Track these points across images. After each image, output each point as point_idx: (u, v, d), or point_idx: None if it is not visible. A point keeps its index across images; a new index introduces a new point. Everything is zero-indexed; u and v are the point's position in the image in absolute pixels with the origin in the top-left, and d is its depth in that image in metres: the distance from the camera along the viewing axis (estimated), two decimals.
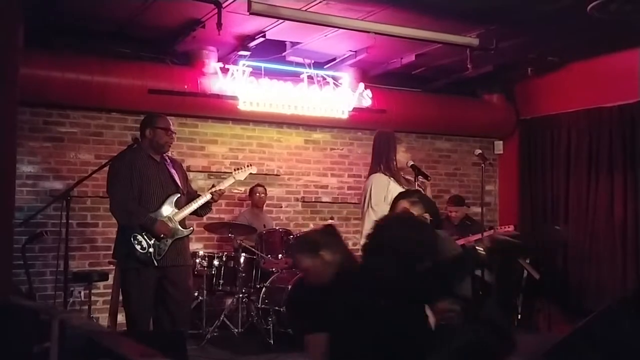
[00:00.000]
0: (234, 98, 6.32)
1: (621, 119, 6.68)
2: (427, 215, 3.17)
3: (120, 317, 4.96)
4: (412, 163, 4.65)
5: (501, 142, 8.19)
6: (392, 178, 4.61)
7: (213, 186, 4.62)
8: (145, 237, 4.23)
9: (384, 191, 4.61)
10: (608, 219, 6.71)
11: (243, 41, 6.03)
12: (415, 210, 3.14)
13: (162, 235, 4.25)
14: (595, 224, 6.84)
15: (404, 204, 3.17)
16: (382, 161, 4.69)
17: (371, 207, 4.63)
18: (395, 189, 4.60)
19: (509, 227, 6.74)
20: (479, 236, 6.24)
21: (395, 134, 4.85)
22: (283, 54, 6.36)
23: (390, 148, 4.65)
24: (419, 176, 4.63)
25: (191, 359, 4.57)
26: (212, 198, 4.51)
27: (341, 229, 7.18)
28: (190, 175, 6.12)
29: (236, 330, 5.79)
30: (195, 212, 4.55)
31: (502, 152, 8.21)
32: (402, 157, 4.67)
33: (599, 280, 6.72)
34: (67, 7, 5.41)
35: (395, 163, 4.64)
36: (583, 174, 7.00)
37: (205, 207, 4.61)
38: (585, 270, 6.88)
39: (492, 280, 6.34)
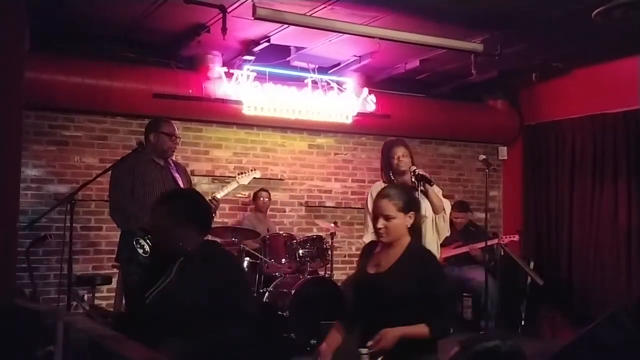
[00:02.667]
0: (239, 102, 6.33)
1: (626, 125, 6.67)
2: (193, 226, 2.83)
3: None
4: (414, 168, 4.57)
5: (505, 147, 8.18)
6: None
7: (213, 193, 4.64)
8: (147, 240, 4.23)
9: None
10: (612, 224, 6.69)
11: (248, 46, 6.04)
12: (167, 217, 2.80)
13: None
14: (599, 230, 6.83)
15: (163, 207, 2.85)
16: (382, 170, 4.69)
17: (368, 216, 4.60)
18: None
19: (513, 236, 6.72)
20: (482, 244, 6.22)
21: (397, 139, 4.81)
22: (287, 58, 6.37)
23: (389, 156, 4.60)
24: (422, 182, 4.54)
25: None
26: None
27: (344, 233, 7.20)
28: (195, 179, 6.13)
29: None
30: None
31: (506, 157, 8.20)
32: (401, 162, 4.54)
33: (604, 287, 6.70)
34: (73, 12, 5.43)
35: (391, 170, 4.60)
36: (587, 180, 6.99)
37: None
38: (589, 276, 6.86)
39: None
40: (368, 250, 3.20)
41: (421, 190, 4.47)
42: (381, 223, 3.00)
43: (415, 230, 3.09)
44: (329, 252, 6.18)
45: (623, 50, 6.29)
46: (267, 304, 5.68)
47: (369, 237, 4.59)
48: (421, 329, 2.87)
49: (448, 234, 4.78)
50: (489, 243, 6.04)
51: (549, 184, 7.47)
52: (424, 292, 2.88)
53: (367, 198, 4.68)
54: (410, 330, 2.87)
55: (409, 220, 3.04)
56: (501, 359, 1.83)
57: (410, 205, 3.06)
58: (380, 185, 4.61)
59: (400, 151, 4.57)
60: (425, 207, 4.56)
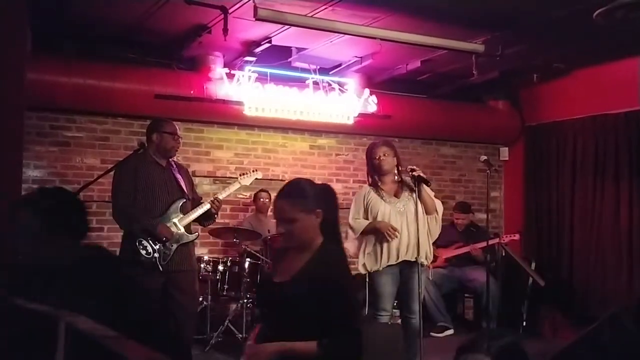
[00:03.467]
0: (240, 103, 6.34)
1: (627, 125, 6.67)
2: (67, 233, 2.39)
3: None
4: (412, 168, 4.53)
5: (507, 148, 8.19)
6: (373, 188, 4.56)
7: (215, 194, 4.65)
8: (150, 242, 4.23)
9: (360, 203, 4.54)
10: (613, 225, 6.69)
11: (249, 47, 6.05)
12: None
13: (164, 238, 4.25)
14: (600, 231, 6.83)
15: (27, 212, 2.36)
16: (368, 173, 4.67)
17: (349, 222, 4.55)
18: (375, 200, 4.52)
19: (514, 236, 6.72)
20: (483, 244, 6.22)
21: (380, 140, 4.79)
22: (289, 59, 6.38)
23: (372, 157, 4.59)
24: (419, 182, 4.49)
25: None
26: (211, 207, 4.51)
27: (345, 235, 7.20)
28: (196, 180, 6.13)
29: (241, 335, 5.79)
30: (198, 221, 4.55)
31: (507, 158, 8.21)
32: (382, 161, 4.54)
33: (605, 287, 6.70)
34: (74, 13, 5.43)
35: (375, 172, 4.57)
36: (588, 180, 6.99)
37: (208, 218, 4.60)
38: (590, 276, 6.86)
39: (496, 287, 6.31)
40: (279, 255, 2.80)
41: (415, 191, 4.44)
42: (282, 228, 2.56)
43: (329, 227, 2.67)
44: None
45: (624, 50, 6.30)
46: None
47: (350, 244, 4.53)
48: (307, 347, 2.41)
49: (438, 234, 4.74)
50: (489, 242, 6.04)
51: (550, 184, 7.47)
52: (323, 305, 2.41)
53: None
54: (293, 346, 2.43)
55: (315, 219, 2.58)
56: (504, 356, 1.82)
57: (315, 202, 2.59)
58: (366, 188, 4.60)
59: (381, 151, 4.56)
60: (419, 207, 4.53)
